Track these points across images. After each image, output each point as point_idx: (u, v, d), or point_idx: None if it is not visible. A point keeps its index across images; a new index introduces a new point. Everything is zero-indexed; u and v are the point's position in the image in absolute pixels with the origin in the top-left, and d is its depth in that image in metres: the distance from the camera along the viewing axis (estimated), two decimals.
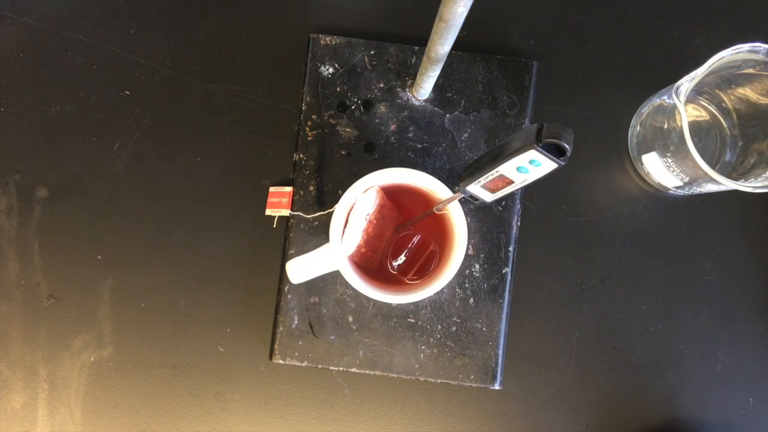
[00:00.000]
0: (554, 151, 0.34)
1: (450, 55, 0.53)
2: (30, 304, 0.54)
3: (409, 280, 0.50)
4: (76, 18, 0.56)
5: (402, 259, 0.50)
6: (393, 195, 0.50)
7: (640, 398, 0.54)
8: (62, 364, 0.53)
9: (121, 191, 0.55)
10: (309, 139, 0.54)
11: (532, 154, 0.34)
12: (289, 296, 0.52)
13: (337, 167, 0.53)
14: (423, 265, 0.50)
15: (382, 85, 0.54)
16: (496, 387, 0.52)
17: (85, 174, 0.55)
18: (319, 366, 0.52)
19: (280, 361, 0.52)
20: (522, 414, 0.53)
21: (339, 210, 0.47)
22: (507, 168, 0.37)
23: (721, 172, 0.47)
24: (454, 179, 0.53)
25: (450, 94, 0.54)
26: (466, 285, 0.53)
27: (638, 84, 0.56)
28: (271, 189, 0.54)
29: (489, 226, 0.53)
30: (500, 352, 0.52)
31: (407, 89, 0.54)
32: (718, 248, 0.55)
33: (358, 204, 0.47)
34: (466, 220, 0.47)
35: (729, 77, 0.51)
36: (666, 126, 0.49)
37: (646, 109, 0.53)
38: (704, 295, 0.55)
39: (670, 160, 0.50)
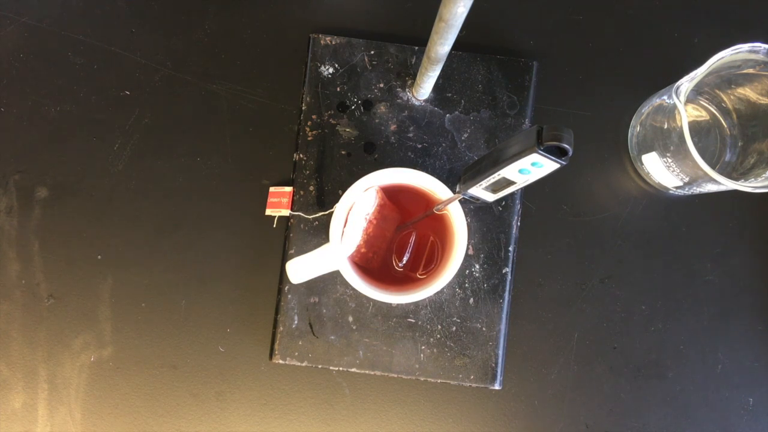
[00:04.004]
0: (555, 152, 0.34)
1: (450, 55, 0.53)
2: (30, 304, 0.54)
3: (419, 275, 0.50)
4: (76, 18, 0.56)
5: (407, 256, 0.50)
6: (393, 195, 0.50)
7: (640, 398, 0.54)
8: (62, 364, 0.53)
9: (121, 191, 0.55)
10: (309, 139, 0.54)
11: (534, 157, 0.34)
12: (289, 296, 0.52)
13: (337, 167, 0.53)
14: (429, 258, 0.50)
15: (382, 85, 0.54)
16: (496, 387, 0.52)
17: (85, 174, 0.55)
18: (319, 366, 0.52)
19: (280, 361, 0.52)
20: (522, 414, 0.53)
21: (339, 210, 0.47)
22: (509, 171, 0.37)
23: (721, 172, 0.47)
24: (454, 179, 0.53)
25: (450, 94, 0.54)
26: (466, 285, 0.53)
27: (638, 84, 0.56)
28: (271, 189, 0.54)
29: (489, 226, 0.53)
30: (500, 352, 0.52)
31: (407, 89, 0.54)
32: (718, 248, 0.55)
33: (358, 204, 0.47)
34: (466, 220, 0.47)
35: (729, 77, 0.51)
36: (666, 126, 0.49)
37: (646, 109, 0.53)
38: (704, 295, 0.55)
39: (670, 160, 0.50)
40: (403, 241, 0.50)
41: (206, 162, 0.55)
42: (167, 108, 0.55)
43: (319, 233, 0.53)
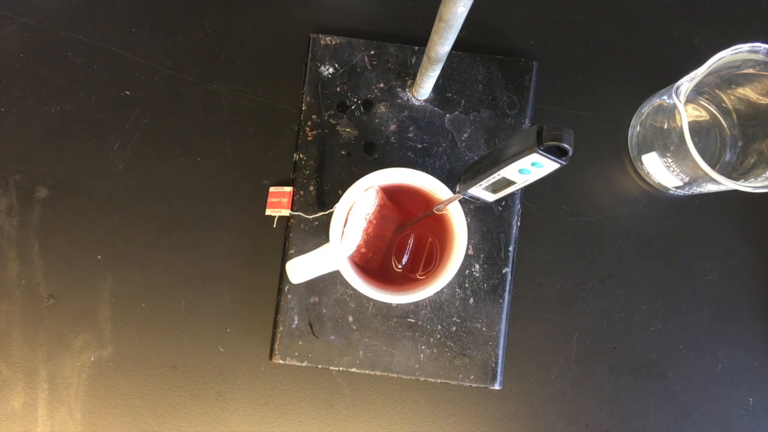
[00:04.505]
0: (555, 151, 0.34)
1: (450, 55, 0.53)
2: (30, 304, 0.54)
3: (419, 275, 0.50)
4: (76, 18, 0.56)
5: (407, 256, 0.50)
6: (393, 195, 0.50)
7: (640, 398, 0.54)
8: (62, 364, 0.53)
9: (121, 191, 0.55)
10: (309, 139, 0.54)
11: (534, 157, 0.34)
12: (289, 296, 0.52)
13: (337, 167, 0.53)
14: (428, 259, 0.50)
15: (382, 85, 0.54)
16: (496, 387, 0.52)
17: (85, 174, 0.55)
18: (319, 366, 0.52)
19: (280, 361, 0.52)
20: (522, 414, 0.53)
21: (339, 210, 0.47)
22: (509, 171, 0.37)
23: (721, 172, 0.47)
24: (454, 179, 0.53)
25: (450, 94, 0.54)
26: (466, 285, 0.53)
27: (638, 84, 0.56)
28: (271, 189, 0.54)
29: (489, 226, 0.53)
30: (500, 352, 0.52)
31: (407, 89, 0.54)
32: (718, 248, 0.55)
33: (358, 204, 0.47)
34: (466, 220, 0.47)
35: (729, 77, 0.51)
36: (666, 126, 0.49)
37: (646, 109, 0.53)
38: (704, 295, 0.55)
39: (670, 160, 0.50)
40: (402, 241, 0.50)
41: (206, 162, 0.55)
42: (167, 108, 0.55)
43: (319, 233, 0.53)
